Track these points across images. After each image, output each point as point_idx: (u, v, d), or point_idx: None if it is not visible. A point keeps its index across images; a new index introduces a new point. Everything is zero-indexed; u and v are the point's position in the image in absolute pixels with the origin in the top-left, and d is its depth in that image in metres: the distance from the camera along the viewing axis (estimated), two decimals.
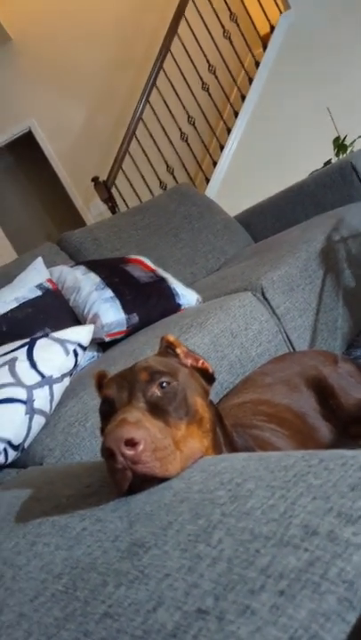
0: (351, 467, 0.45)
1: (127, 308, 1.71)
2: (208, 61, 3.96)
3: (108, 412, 0.68)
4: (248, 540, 0.41)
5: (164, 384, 0.67)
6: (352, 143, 3.09)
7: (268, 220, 2.66)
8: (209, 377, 0.80)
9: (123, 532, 0.51)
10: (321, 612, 0.33)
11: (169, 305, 1.79)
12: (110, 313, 1.68)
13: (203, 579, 0.40)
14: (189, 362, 0.80)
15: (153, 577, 0.42)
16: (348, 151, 3.06)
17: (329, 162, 3.05)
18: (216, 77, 3.98)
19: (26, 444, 1.12)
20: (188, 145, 4.15)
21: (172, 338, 0.81)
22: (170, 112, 4.07)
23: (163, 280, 1.87)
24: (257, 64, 3.91)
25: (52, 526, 0.59)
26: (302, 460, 0.50)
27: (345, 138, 3.10)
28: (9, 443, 1.06)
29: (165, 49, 3.91)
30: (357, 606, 0.33)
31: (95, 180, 4.17)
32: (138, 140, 4.08)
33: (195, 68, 3.97)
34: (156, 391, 0.66)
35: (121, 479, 0.56)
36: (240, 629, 0.34)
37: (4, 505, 0.76)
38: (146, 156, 4.18)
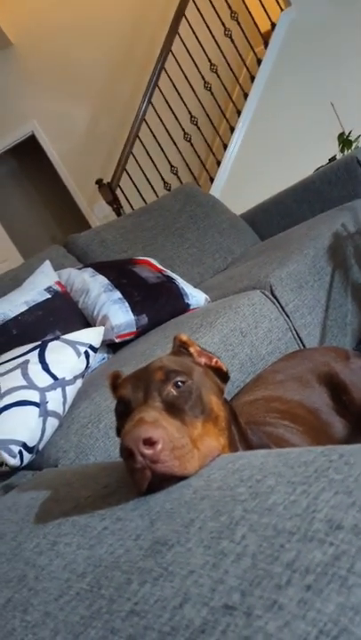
0: None
1: (136, 310, 1.72)
2: (210, 60, 3.96)
3: (123, 412, 0.68)
4: (272, 536, 0.41)
5: (180, 383, 0.67)
6: (357, 138, 3.08)
7: (274, 217, 2.66)
8: (223, 375, 0.80)
9: (144, 530, 0.51)
10: (349, 606, 0.33)
11: (178, 305, 1.79)
12: (119, 314, 1.69)
13: (228, 575, 0.40)
14: (203, 361, 0.80)
15: (177, 574, 0.43)
16: (353, 147, 3.05)
17: (334, 158, 3.04)
18: (218, 76, 3.98)
19: (40, 447, 1.13)
20: (192, 145, 4.15)
21: (185, 337, 0.81)
22: (172, 112, 4.08)
23: (171, 280, 1.87)
24: (259, 62, 3.91)
25: (73, 526, 0.59)
26: (322, 455, 0.50)
27: (350, 133, 3.09)
28: (24, 445, 1.06)
29: (166, 49, 3.92)
30: None
31: (99, 182, 4.18)
32: (141, 142, 4.09)
33: (196, 67, 3.97)
34: (171, 390, 0.66)
35: (140, 479, 0.56)
36: (268, 624, 0.34)
37: (22, 506, 0.77)
38: (149, 157, 4.19)
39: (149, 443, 0.55)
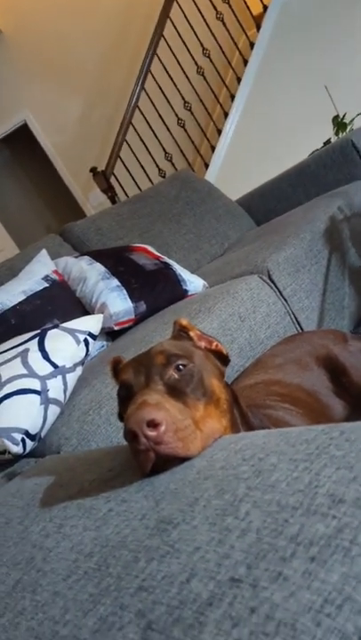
0: None
1: (134, 297, 1.72)
2: (202, 45, 3.92)
3: (125, 396, 0.69)
4: (276, 511, 0.42)
5: (181, 366, 0.67)
6: (352, 121, 3.06)
7: (270, 202, 2.65)
8: (223, 358, 0.81)
9: (149, 510, 0.52)
10: (353, 575, 0.34)
11: (176, 291, 1.79)
12: (118, 302, 1.69)
13: (233, 550, 0.41)
14: (203, 344, 0.81)
15: (184, 551, 0.43)
16: (347, 129, 3.04)
17: (329, 141, 3.03)
18: (211, 61, 3.94)
19: (42, 434, 1.13)
20: (186, 131, 4.13)
21: (185, 321, 0.82)
22: (166, 98, 4.04)
23: (168, 267, 1.87)
24: (251, 45, 3.87)
25: (78, 509, 0.60)
26: (323, 433, 0.50)
27: (344, 116, 3.08)
28: (26, 433, 1.07)
29: (158, 34, 3.87)
30: None
31: (93, 170, 4.15)
32: (135, 129, 4.06)
33: (189, 52, 3.93)
34: (173, 374, 0.67)
35: (144, 460, 0.57)
36: (274, 595, 0.35)
37: (26, 492, 0.77)
38: (143, 143, 4.16)
39: (153, 425, 0.56)
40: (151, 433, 0.55)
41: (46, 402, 1.12)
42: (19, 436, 1.06)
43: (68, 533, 0.56)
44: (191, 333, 0.81)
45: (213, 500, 0.48)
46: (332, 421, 1.09)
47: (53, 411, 1.15)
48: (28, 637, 0.45)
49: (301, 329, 1.63)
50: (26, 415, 1.07)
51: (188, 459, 0.58)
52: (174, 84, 4.02)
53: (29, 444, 1.09)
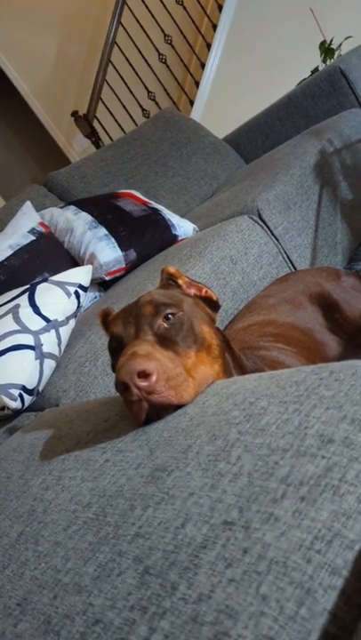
0: None
1: (123, 245, 1.69)
2: None
3: (116, 348, 0.68)
4: (266, 454, 0.42)
5: (170, 316, 0.67)
6: (339, 46, 2.91)
7: (258, 138, 2.57)
8: (214, 304, 0.80)
9: (144, 459, 0.52)
10: (342, 512, 0.35)
11: (166, 237, 1.76)
12: (107, 251, 1.67)
13: (226, 494, 0.41)
14: (192, 291, 0.80)
15: (178, 497, 0.44)
16: (335, 55, 2.89)
17: (316, 69, 2.90)
18: None
19: (40, 388, 1.14)
20: (168, 67, 3.94)
21: (172, 269, 0.81)
22: (145, 32, 3.84)
23: (157, 212, 1.83)
24: None
25: (76, 461, 0.61)
26: (312, 373, 0.50)
27: (331, 41, 2.93)
28: (23, 388, 1.08)
29: None
30: None
31: (75, 114, 3.99)
32: (115, 67, 3.87)
33: None
34: (162, 323, 0.66)
35: (138, 410, 0.57)
36: (266, 535, 0.36)
37: (26, 446, 0.78)
38: (125, 83, 3.98)
39: (144, 375, 0.56)
40: (142, 383, 0.55)
41: (41, 356, 1.12)
42: (16, 392, 1.06)
43: (66, 485, 0.57)
44: (179, 281, 0.79)
45: (206, 446, 0.48)
46: (327, 358, 1.10)
47: (49, 365, 1.15)
48: (33, 586, 0.46)
49: (294, 268, 1.61)
50: (21, 371, 1.08)
51: (182, 406, 0.59)
52: (152, 16, 3.80)
53: (27, 398, 1.09)
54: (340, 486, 0.36)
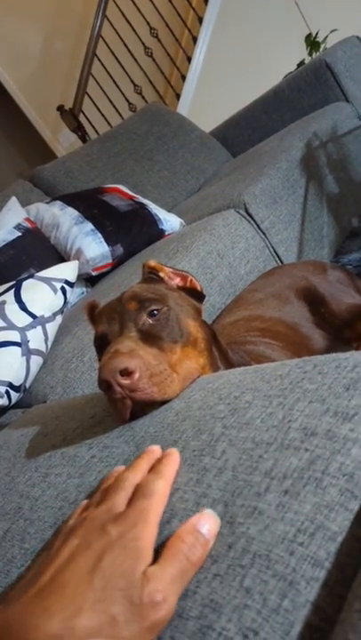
0: (345, 368, 0.45)
1: (110, 240, 1.69)
2: None
3: (102, 345, 0.68)
4: (250, 448, 0.43)
5: (155, 311, 0.66)
6: (325, 39, 2.92)
7: (245, 131, 2.57)
8: (198, 295, 0.79)
9: (130, 455, 0.52)
10: (325, 505, 0.35)
11: (152, 232, 1.76)
12: (93, 246, 1.66)
13: (211, 488, 0.42)
14: (177, 282, 0.79)
15: None
16: (321, 48, 2.90)
17: (302, 62, 2.90)
18: None
19: (27, 385, 1.14)
20: (154, 60, 3.92)
21: (153, 263, 0.80)
22: (130, 25, 3.81)
23: (143, 206, 1.82)
24: None
25: (62, 457, 0.61)
26: (297, 367, 0.50)
27: (317, 34, 2.93)
28: (10, 385, 1.07)
29: None
30: (359, 495, 0.35)
31: (60, 108, 3.96)
32: (100, 61, 3.84)
33: None
34: (147, 319, 0.66)
35: (122, 408, 0.57)
36: (250, 529, 0.36)
37: (13, 443, 0.78)
38: (111, 77, 3.96)
39: (126, 373, 0.55)
40: (125, 381, 0.55)
41: (27, 353, 1.12)
42: (2, 389, 1.06)
43: (53, 482, 0.57)
44: (161, 274, 0.79)
45: (191, 440, 0.48)
46: (313, 352, 1.10)
47: (36, 361, 1.14)
48: None
49: (281, 262, 1.62)
50: (8, 367, 1.07)
51: (167, 402, 0.59)
52: (138, 8, 3.78)
53: (14, 395, 1.09)
54: (323, 479, 0.36)
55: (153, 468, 0.45)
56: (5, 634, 0.31)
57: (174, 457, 0.45)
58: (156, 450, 0.48)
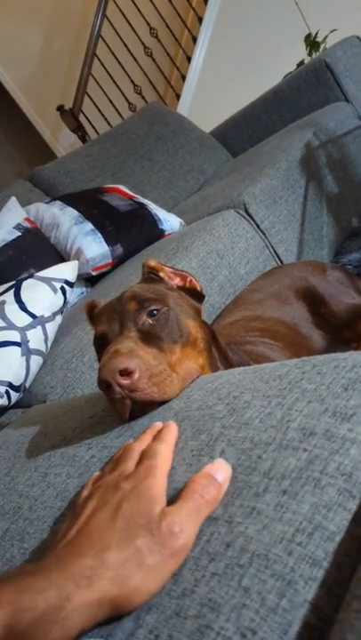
0: (343, 368, 0.46)
1: (110, 240, 1.69)
2: None
3: (102, 344, 0.68)
4: (249, 448, 0.43)
5: (155, 312, 0.66)
6: (325, 39, 2.92)
7: (245, 132, 2.57)
8: (198, 295, 0.79)
9: None
10: (323, 504, 0.35)
11: (152, 231, 1.76)
12: (93, 246, 1.66)
13: None
14: (176, 282, 0.79)
15: None
16: (320, 49, 2.90)
17: (302, 62, 2.90)
18: None
19: (27, 385, 1.14)
20: (154, 60, 3.92)
21: (153, 262, 0.80)
22: (130, 25, 3.81)
23: (143, 206, 1.82)
24: None
25: (62, 457, 0.61)
26: (296, 367, 0.50)
27: (317, 34, 2.93)
28: (10, 385, 1.07)
29: None
30: (357, 495, 0.35)
31: (60, 108, 3.96)
32: (100, 61, 3.84)
33: None
34: (147, 320, 0.66)
35: (121, 408, 0.57)
36: (248, 529, 0.36)
37: (12, 443, 0.78)
38: (110, 77, 3.96)
39: (126, 373, 0.55)
40: (124, 382, 0.55)
41: (27, 353, 1.12)
42: (2, 389, 1.06)
43: (52, 482, 0.57)
44: (161, 274, 0.79)
45: (190, 440, 0.48)
46: (313, 352, 1.10)
47: (36, 361, 1.15)
48: None
49: (281, 262, 1.62)
50: (7, 367, 1.07)
51: (166, 401, 0.59)
52: (138, 8, 3.78)
53: (14, 395, 1.09)
54: (322, 479, 0.36)
55: (155, 438, 0.50)
56: (45, 577, 0.35)
57: (172, 426, 0.50)
58: (158, 425, 0.53)
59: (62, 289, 1.25)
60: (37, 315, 1.17)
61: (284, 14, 3.28)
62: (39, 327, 1.16)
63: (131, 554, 0.36)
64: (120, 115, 4.05)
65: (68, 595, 0.34)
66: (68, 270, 1.28)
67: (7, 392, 1.07)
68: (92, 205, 1.79)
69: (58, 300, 1.23)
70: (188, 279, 0.80)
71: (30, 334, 1.14)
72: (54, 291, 1.23)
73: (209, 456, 0.44)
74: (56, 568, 0.36)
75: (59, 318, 1.24)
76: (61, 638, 0.33)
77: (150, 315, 0.66)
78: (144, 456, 0.46)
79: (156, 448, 0.47)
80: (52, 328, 1.20)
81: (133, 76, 3.98)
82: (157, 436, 0.50)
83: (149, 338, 0.63)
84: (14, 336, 1.11)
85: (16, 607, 0.33)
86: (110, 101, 4.06)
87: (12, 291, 1.21)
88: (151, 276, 0.79)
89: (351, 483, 0.35)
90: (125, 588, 0.35)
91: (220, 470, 0.41)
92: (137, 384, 0.55)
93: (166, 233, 1.78)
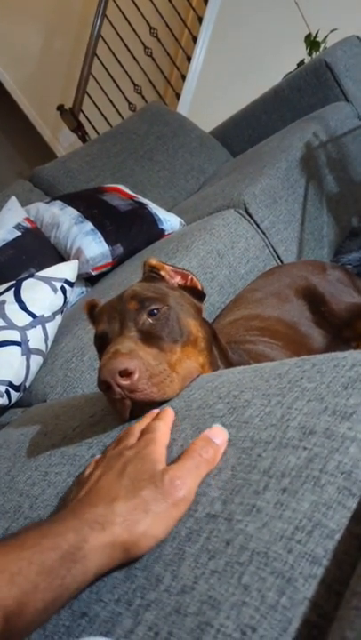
0: (343, 367, 0.46)
1: (110, 239, 1.69)
2: None
3: (102, 344, 0.68)
4: (249, 447, 0.43)
5: (155, 311, 0.66)
6: (325, 39, 2.92)
7: (245, 131, 2.57)
8: (199, 293, 0.79)
9: None
10: (322, 503, 0.35)
11: (152, 231, 1.76)
12: (93, 246, 1.66)
13: (210, 487, 0.42)
14: (177, 281, 0.79)
15: None
16: (321, 48, 2.90)
17: (302, 62, 2.90)
18: None
19: (27, 384, 1.14)
20: (154, 60, 3.92)
21: (153, 261, 0.80)
22: (130, 25, 3.81)
23: (143, 206, 1.83)
24: None
25: (62, 456, 0.61)
26: (295, 366, 0.51)
27: (317, 34, 2.93)
28: (10, 384, 1.07)
29: None
30: (357, 493, 0.35)
31: (60, 108, 3.96)
32: (100, 61, 3.84)
33: None
34: (147, 319, 0.66)
35: (121, 408, 0.57)
36: (248, 526, 0.36)
37: (13, 443, 0.78)
38: (111, 76, 3.96)
39: (126, 373, 0.55)
40: (124, 382, 0.55)
41: (28, 352, 1.12)
42: (2, 388, 1.06)
43: (52, 481, 0.58)
44: (162, 272, 0.79)
45: (190, 439, 0.48)
46: (312, 351, 1.10)
47: (36, 360, 1.15)
48: None
49: (281, 261, 1.62)
50: (8, 367, 1.07)
51: (167, 401, 0.59)
52: (137, 8, 3.78)
53: (14, 394, 1.09)
54: (321, 477, 0.37)
55: (153, 419, 0.54)
56: (62, 525, 0.39)
57: (169, 409, 0.55)
58: (155, 411, 0.56)
59: (62, 288, 1.25)
60: (37, 314, 1.17)
61: (284, 14, 3.28)
62: (39, 327, 1.16)
63: (137, 503, 0.40)
64: (120, 114, 4.05)
65: (85, 537, 0.38)
66: (68, 270, 1.28)
67: (7, 391, 1.07)
68: (92, 205, 1.79)
69: (58, 300, 1.23)
70: (189, 278, 0.80)
71: (30, 334, 1.14)
72: (54, 290, 1.23)
73: None
74: (71, 517, 0.40)
75: (59, 318, 1.24)
76: (81, 576, 0.37)
77: (151, 314, 0.66)
78: (144, 432, 0.51)
79: (155, 425, 0.51)
80: (52, 328, 1.20)
81: (133, 75, 3.98)
82: (156, 417, 0.54)
83: (150, 337, 0.63)
84: (14, 335, 1.12)
85: (42, 547, 0.37)
86: (110, 101, 4.06)
87: (12, 290, 1.21)
88: (152, 274, 0.79)
89: (351, 481, 0.35)
90: (134, 532, 0.39)
91: (218, 434, 0.46)
92: (137, 385, 0.55)
93: (166, 232, 1.79)
